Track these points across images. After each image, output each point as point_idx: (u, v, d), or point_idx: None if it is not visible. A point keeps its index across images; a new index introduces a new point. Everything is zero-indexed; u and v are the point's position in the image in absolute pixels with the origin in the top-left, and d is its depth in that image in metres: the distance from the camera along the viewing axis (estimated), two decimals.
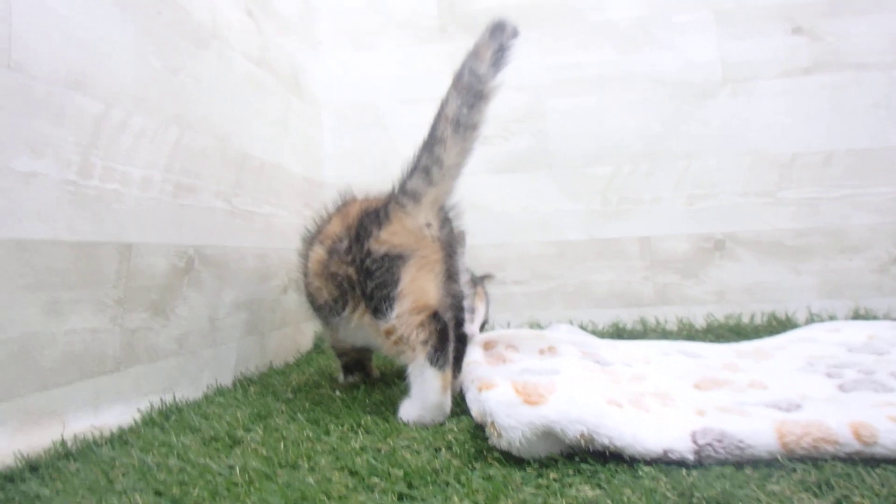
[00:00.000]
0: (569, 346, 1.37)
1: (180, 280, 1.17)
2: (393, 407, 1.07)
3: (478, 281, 1.42)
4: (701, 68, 1.91)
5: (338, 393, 1.26)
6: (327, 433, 0.95)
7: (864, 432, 0.71)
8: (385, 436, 0.93)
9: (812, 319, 1.75)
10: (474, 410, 0.89)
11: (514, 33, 1.04)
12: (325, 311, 1.15)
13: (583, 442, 0.76)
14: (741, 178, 1.88)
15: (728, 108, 1.89)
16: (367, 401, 1.15)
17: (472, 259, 1.93)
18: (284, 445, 0.89)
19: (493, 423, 0.79)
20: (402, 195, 1.07)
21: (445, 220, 1.12)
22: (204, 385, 1.25)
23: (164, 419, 1.05)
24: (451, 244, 1.11)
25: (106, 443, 0.93)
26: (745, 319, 1.82)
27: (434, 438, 0.90)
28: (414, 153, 1.08)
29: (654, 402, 0.91)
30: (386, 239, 1.05)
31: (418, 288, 1.03)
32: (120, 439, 0.95)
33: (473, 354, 1.31)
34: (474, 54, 1.03)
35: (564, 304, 1.93)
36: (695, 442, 0.74)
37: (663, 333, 1.74)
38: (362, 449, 0.87)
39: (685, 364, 1.24)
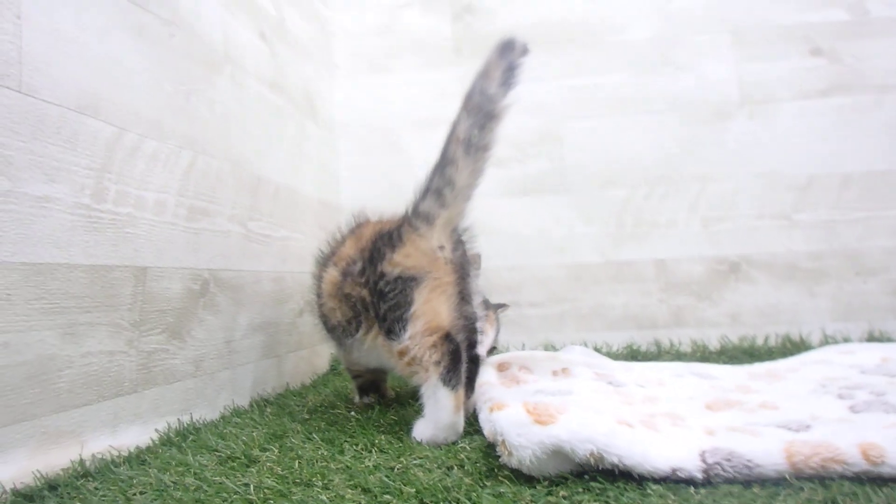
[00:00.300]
0: (583, 367, 1.38)
1: (196, 303, 1.19)
2: (407, 426, 1.08)
3: (490, 306, 1.42)
4: (718, 89, 1.93)
5: (353, 413, 1.27)
6: (342, 452, 0.96)
7: (873, 453, 0.71)
8: (399, 455, 0.94)
9: (826, 342, 1.74)
10: (486, 430, 0.90)
11: (524, 51, 1.06)
12: (338, 331, 1.17)
13: (592, 461, 0.76)
14: (757, 201, 1.88)
15: (745, 130, 1.90)
16: (382, 420, 1.16)
17: (487, 282, 1.95)
18: (299, 464, 0.90)
19: (503, 441, 0.80)
20: (415, 217, 1.09)
21: (458, 243, 1.14)
22: (221, 406, 1.27)
23: (181, 439, 1.06)
24: (463, 266, 1.12)
25: (124, 462, 0.94)
26: (760, 341, 1.81)
27: (447, 457, 0.91)
28: (426, 175, 1.09)
29: (665, 422, 0.92)
30: (399, 261, 1.07)
31: (431, 310, 1.05)
32: (138, 459, 0.96)
33: (486, 376, 1.32)
34: (484, 74, 1.05)
35: (579, 326, 1.94)
36: (703, 461, 0.75)
37: (677, 355, 1.74)
38: (375, 467, 0.88)
39: (698, 385, 1.24)
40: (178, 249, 1.13)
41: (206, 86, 1.23)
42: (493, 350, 1.44)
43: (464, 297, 1.12)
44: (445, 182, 1.06)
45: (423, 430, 1.03)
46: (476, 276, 1.32)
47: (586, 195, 1.97)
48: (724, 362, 1.63)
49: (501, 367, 1.38)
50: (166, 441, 1.05)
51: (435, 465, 0.88)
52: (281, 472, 0.87)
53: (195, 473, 0.88)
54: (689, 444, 0.78)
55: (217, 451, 0.98)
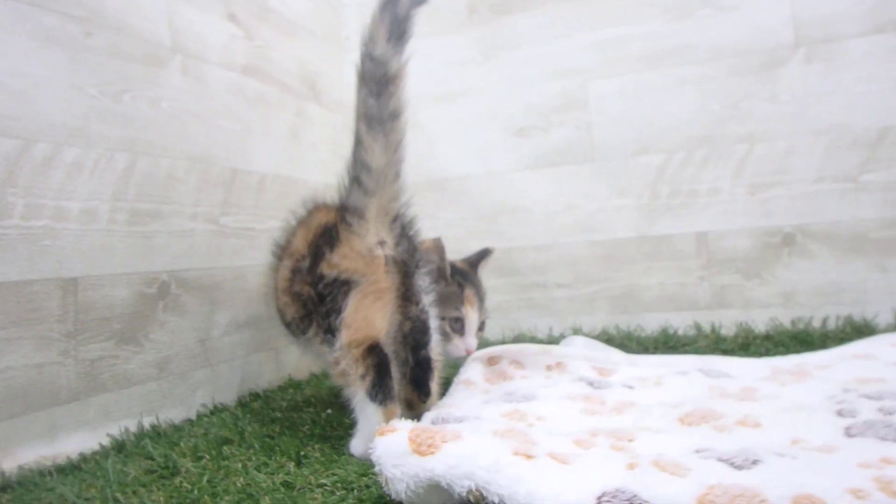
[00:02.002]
0: (579, 361, 1.26)
1: (152, 306, 1.17)
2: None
3: (464, 281, 1.29)
4: (768, 31, 1.66)
5: (329, 412, 1.22)
6: (266, 464, 0.91)
7: None
8: (324, 467, 0.88)
9: None
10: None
11: (416, 1, 0.95)
12: (292, 328, 1.11)
13: (471, 498, 0.66)
14: (816, 162, 1.63)
15: (801, 78, 1.64)
16: (340, 424, 1.10)
17: (511, 263, 1.84)
18: (209, 479, 0.86)
19: (380, 471, 0.72)
20: (347, 213, 1.00)
21: (402, 236, 1.04)
22: (198, 404, 1.26)
23: (135, 444, 1.05)
24: (407, 263, 1.03)
25: (56, 472, 0.94)
26: (816, 324, 1.59)
27: (362, 476, 0.84)
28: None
29: (602, 446, 0.80)
30: (336, 262, 0.99)
31: (361, 318, 0.96)
32: (74, 468, 0.96)
33: (469, 373, 1.24)
34: (368, 37, 0.95)
35: (611, 308, 1.78)
36: None
37: (717, 340, 1.56)
38: (283, 485, 0.83)
39: (696, 387, 1.09)
40: (119, 256, 1.10)
41: (146, 83, 1.18)
42: (482, 324, 1.32)
43: (408, 297, 1.03)
44: (360, 167, 0.97)
45: (356, 445, 0.96)
46: (439, 264, 1.23)
47: (617, 164, 1.79)
48: (769, 349, 1.46)
49: (491, 362, 1.28)
50: (117, 446, 1.04)
51: (340, 486, 0.81)
52: (186, 488, 0.83)
53: (110, 486, 0.86)
54: (592, 482, 0.66)
55: (152, 458, 0.96)
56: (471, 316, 1.26)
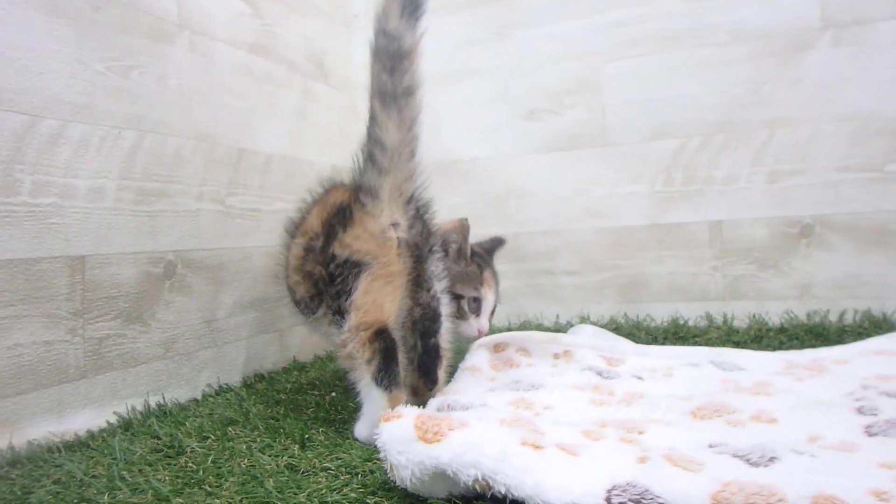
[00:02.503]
0: (587, 350, 1.23)
1: (159, 286, 1.15)
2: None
3: (483, 264, 1.29)
4: (793, 13, 1.60)
5: (333, 394, 1.21)
6: (270, 446, 0.90)
7: None
8: (329, 452, 0.87)
9: None
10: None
11: None
12: (301, 307, 1.09)
13: (478, 488, 0.65)
14: (839, 149, 1.58)
15: (827, 62, 1.58)
16: (343, 407, 1.09)
17: (518, 248, 1.81)
18: (214, 459, 0.85)
19: (385, 457, 0.70)
20: (361, 192, 0.98)
21: (416, 219, 1.02)
22: (203, 384, 1.25)
23: (142, 422, 1.04)
24: (420, 246, 1.01)
25: (60, 449, 0.93)
26: (833, 317, 1.55)
27: (367, 461, 0.82)
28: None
29: (611, 437, 0.78)
30: (349, 243, 0.97)
31: (371, 301, 0.94)
32: (82, 445, 0.95)
33: (474, 359, 1.22)
34: (382, 13, 0.92)
35: (619, 296, 1.76)
36: (608, 500, 0.61)
37: (728, 332, 1.53)
38: (287, 467, 0.82)
39: (708, 379, 1.06)
40: (126, 234, 1.09)
41: (153, 59, 1.15)
42: (492, 311, 1.32)
43: (419, 282, 1.01)
44: (375, 144, 0.94)
45: (360, 429, 0.95)
46: (461, 244, 1.23)
47: (630, 149, 1.75)
48: (782, 342, 1.43)
49: (497, 348, 1.26)
50: (124, 424, 1.04)
51: (344, 470, 0.80)
52: (191, 468, 0.83)
53: (109, 465, 0.85)
54: (601, 476, 0.64)
55: (158, 437, 0.96)
56: (488, 298, 1.27)
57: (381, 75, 0.91)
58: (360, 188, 0.99)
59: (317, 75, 1.69)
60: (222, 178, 1.31)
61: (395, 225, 0.98)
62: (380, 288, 0.95)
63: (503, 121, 1.86)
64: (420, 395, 1.04)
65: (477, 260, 1.28)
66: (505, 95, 1.86)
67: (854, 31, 1.56)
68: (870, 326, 1.46)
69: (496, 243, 1.40)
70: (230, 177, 1.34)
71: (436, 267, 1.04)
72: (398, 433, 0.69)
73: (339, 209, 1.01)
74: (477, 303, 1.25)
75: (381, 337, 0.93)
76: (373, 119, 0.94)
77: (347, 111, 1.79)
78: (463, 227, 1.23)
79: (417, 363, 1.02)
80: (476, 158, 1.89)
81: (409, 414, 0.72)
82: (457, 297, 1.23)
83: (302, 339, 1.56)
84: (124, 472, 0.81)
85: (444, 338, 1.06)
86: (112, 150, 1.07)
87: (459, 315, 1.23)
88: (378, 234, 0.97)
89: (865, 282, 1.56)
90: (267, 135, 1.47)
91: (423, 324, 1.01)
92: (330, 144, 1.71)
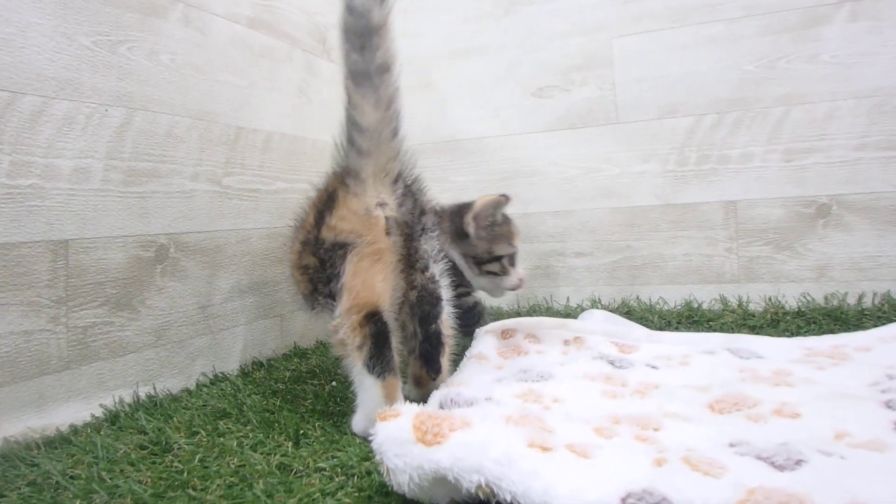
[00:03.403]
0: (598, 337, 1.19)
1: (150, 271, 1.11)
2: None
3: (507, 218, 1.37)
4: None
5: (333, 384, 1.17)
6: (262, 443, 0.86)
7: None
8: (324, 450, 0.82)
9: None
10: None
11: None
12: (304, 303, 1.05)
13: (481, 494, 0.60)
14: (857, 127, 1.52)
15: (844, 37, 1.52)
16: (342, 399, 1.05)
17: (527, 229, 1.76)
18: (202, 458, 0.81)
19: (381, 460, 0.66)
20: (345, 174, 0.94)
21: (406, 196, 0.97)
22: (197, 373, 1.20)
23: (130, 414, 1.01)
24: (410, 225, 0.96)
25: (39, 446, 0.88)
26: (852, 300, 1.50)
27: (363, 461, 0.78)
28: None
29: (625, 435, 0.73)
30: (335, 225, 0.93)
31: (360, 282, 0.90)
32: (62, 440, 0.91)
33: (481, 346, 1.17)
34: None
35: (632, 279, 1.70)
36: None
37: (744, 316, 1.48)
38: (279, 467, 0.77)
39: (725, 368, 1.02)
40: (114, 217, 1.04)
41: (144, 34, 1.10)
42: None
43: (412, 263, 0.96)
44: (353, 126, 0.91)
45: (357, 422, 0.91)
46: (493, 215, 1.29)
47: (642, 127, 1.69)
48: (800, 326, 1.38)
49: (505, 335, 1.22)
50: (111, 418, 1.00)
51: (339, 472, 0.75)
52: (178, 468, 0.78)
53: (89, 465, 0.81)
54: (616, 480, 0.59)
55: (145, 432, 0.91)
56: (519, 247, 1.37)
57: (352, 55, 0.88)
58: (343, 170, 0.95)
59: (319, 51, 1.63)
60: (219, 158, 1.26)
61: (381, 204, 0.94)
62: (368, 267, 0.91)
63: (511, 98, 1.80)
64: (423, 386, 1.00)
65: (503, 218, 1.35)
66: (513, 72, 1.80)
67: (871, 4, 1.50)
68: (889, 310, 1.41)
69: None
70: (227, 156, 1.29)
71: (430, 247, 1.00)
72: (395, 434, 0.65)
73: (328, 195, 0.98)
74: (513, 258, 1.33)
75: (372, 321, 0.89)
76: (348, 101, 0.91)
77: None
78: (500, 202, 1.30)
79: (419, 351, 0.98)
80: (484, 137, 1.83)
81: (407, 412, 0.67)
82: (497, 259, 1.32)
83: (304, 325, 1.51)
84: (104, 473, 0.77)
85: (447, 324, 1.01)
86: (98, 128, 1.02)
87: (502, 271, 1.32)
88: (362, 212, 0.93)
89: (884, 263, 1.50)
90: (267, 112, 1.42)
91: (422, 308, 0.97)
92: (333, 122, 1.62)
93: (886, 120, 1.49)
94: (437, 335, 0.98)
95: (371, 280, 0.90)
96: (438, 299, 0.98)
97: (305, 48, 1.57)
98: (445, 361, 1.01)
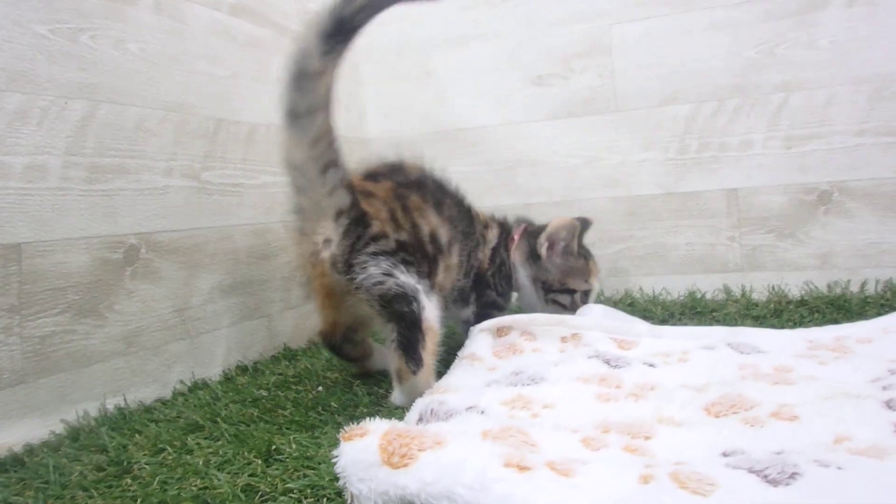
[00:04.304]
0: (597, 333, 1.14)
1: (118, 274, 1.05)
2: (342, 417, 0.94)
3: (587, 254, 1.36)
4: None
5: (319, 389, 1.13)
6: (231, 461, 0.79)
7: None
8: (296, 468, 0.75)
9: None
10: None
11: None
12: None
13: None
14: (857, 113, 1.47)
15: (843, 22, 1.47)
16: (325, 407, 1.00)
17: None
18: (163, 480, 0.75)
19: (345, 484, 0.61)
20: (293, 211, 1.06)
21: (351, 226, 1.00)
22: (174, 381, 1.15)
23: (94, 428, 0.95)
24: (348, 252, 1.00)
25: None
26: (855, 288, 1.45)
27: (337, 479, 0.72)
28: None
29: (614, 446, 0.68)
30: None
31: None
32: (14, 462, 0.85)
33: (474, 346, 1.12)
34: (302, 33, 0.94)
35: (635, 269, 1.66)
36: None
37: (748, 306, 1.43)
38: (244, 490, 0.70)
39: (724, 365, 0.97)
40: (74, 217, 0.98)
41: (110, 21, 1.05)
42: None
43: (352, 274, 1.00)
44: (286, 164, 0.98)
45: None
46: (569, 242, 1.29)
47: (642, 115, 1.64)
48: (803, 315, 1.33)
49: (501, 332, 1.16)
50: (73, 434, 0.94)
51: (308, 494, 0.69)
52: (131, 494, 0.72)
53: (37, 490, 0.75)
54: (598, 502, 0.54)
55: (106, 451, 0.86)
56: (595, 287, 1.34)
57: (288, 94, 0.93)
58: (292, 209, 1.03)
59: None
60: (196, 151, 1.21)
61: (327, 241, 0.98)
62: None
63: (511, 86, 1.75)
64: (405, 381, 0.97)
65: (582, 252, 1.33)
66: (512, 60, 1.75)
67: None
68: (892, 297, 1.38)
69: (584, 225, 1.39)
70: (206, 149, 1.24)
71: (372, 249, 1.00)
72: (360, 456, 0.60)
73: None
74: (587, 295, 1.31)
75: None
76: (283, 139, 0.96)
77: (344, 76, 1.67)
78: (573, 227, 1.28)
79: (397, 342, 0.97)
80: (483, 126, 1.79)
81: (375, 430, 0.62)
82: (569, 292, 1.30)
83: (295, 324, 1.47)
84: (51, 501, 0.71)
85: (431, 316, 1.00)
86: (56, 122, 0.96)
87: (573, 308, 1.29)
88: (307, 254, 1.01)
89: (886, 250, 1.47)
90: (251, 103, 1.37)
91: (391, 308, 0.98)
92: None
93: (885, 106, 1.46)
94: (414, 324, 0.97)
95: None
96: (400, 293, 0.98)
97: (296, 37, 1.51)
98: (428, 356, 0.99)
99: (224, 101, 1.29)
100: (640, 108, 1.64)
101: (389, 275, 0.97)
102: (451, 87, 1.81)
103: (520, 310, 1.33)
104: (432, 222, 1.10)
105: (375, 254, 0.98)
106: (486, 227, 1.31)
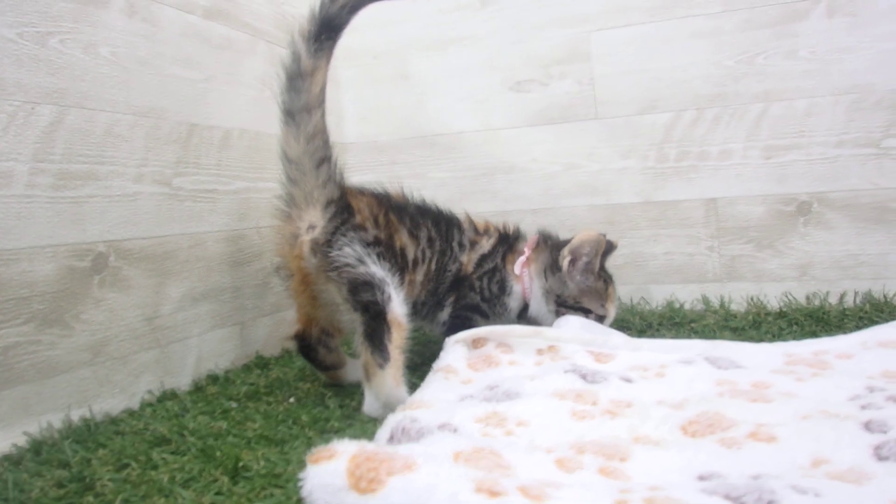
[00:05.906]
0: (574, 346, 1.12)
1: (86, 282, 1.03)
2: (313, 431, 0.93)
3: (608, 278, 1.36)
4: None
5: (291, 400, 1.11)
6: (196, 478, 0.77)
7: None
8: (263, 486, 0.74)
9: None
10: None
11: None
12: None
13: None
14: (836, 124, 1.48)
15: (822, 32, 1.47)
16: (296, 419, 0.98)
17: None
18: (126, 498, 0.72)
19: None
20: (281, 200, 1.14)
21: (335, 216, 1.07)
22: (142, 391, 1.12)
23: (57, 442, 0.91)
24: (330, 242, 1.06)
25: None
26: (834, 299, 1.46)
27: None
28: None
29: (589, 467, 0.67)
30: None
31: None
32: None
33: (449, 357, 1.10)
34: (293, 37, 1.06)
35: (613, 278, 1.64)
36: None
37: (726, 317, 1.43)
38: None
39: (702, 381, 0.96)
40: (40, 225, 0.96)
41: (79, 24, 1.02)
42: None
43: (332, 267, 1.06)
44: (283, 157, 1.06)
45: None
46: (591, 259, 1.28)
47: (621, 122, 1.63)
48: (782, 328, 1.33)
49: (476, 344, 1.15)
50: (35, 447, 0.90)
51: None
52: None
53: None
54: None
55: (68, 465, 0.83)
56: (611, 313, 1.32)
57: (284, 94, 1.03)
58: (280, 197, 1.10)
59: (285, 42, 1.55)
60: (168, 157, 1.19)
61: (311, 227, 1.05)
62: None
63: (490, 92, 1.74)
64: (372, 377, 0.98)
65: (603, 275, 1.32)
66: (492, 65, 1.73)
67: (849, 0, 1.45)
68: (871, 310, 1.38)
69: (609, 248, 1.37)
70: (178, 155, 1.21)
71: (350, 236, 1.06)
72: (328, 480, 0.58)
73: None
74: (602, 320, 1.29)
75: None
76: (280, 135, 1.05)
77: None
78: (598, 243, 1.26)
79: (363, 332, 0.99)
80: (462, 132, 1.77)
81: (343, 452, 0.60)
82: (584, 311, 1.29)
83: (268, 332, 1.44)
84: None
85: (398, 308, 1.02)
86: (23, 127, 0.93)
87: None
88: (290, 237, 1.08)
89: (865, 262, 1.47)
90: (225, 107, 1.34)
91: (358, 295, 1.02)
92: None
93: (864, 117, 1.46)
94: (379, 315, 0.99)
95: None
96: (367, 282, 1.02)
97: (271, 39, 1.49)
98: (395, 350, 1.00)
99: (197, 106, 1.26)
100: (619, 116, 1.63)
101: (361, 262, 1.02)
102: (429, 92, 1.79)
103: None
104: (403, 240, 1.16)
105: (353, 239, 1.04)
106: (481, 234, 1.32)
